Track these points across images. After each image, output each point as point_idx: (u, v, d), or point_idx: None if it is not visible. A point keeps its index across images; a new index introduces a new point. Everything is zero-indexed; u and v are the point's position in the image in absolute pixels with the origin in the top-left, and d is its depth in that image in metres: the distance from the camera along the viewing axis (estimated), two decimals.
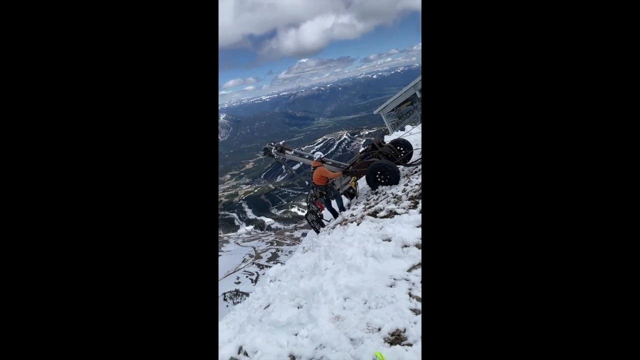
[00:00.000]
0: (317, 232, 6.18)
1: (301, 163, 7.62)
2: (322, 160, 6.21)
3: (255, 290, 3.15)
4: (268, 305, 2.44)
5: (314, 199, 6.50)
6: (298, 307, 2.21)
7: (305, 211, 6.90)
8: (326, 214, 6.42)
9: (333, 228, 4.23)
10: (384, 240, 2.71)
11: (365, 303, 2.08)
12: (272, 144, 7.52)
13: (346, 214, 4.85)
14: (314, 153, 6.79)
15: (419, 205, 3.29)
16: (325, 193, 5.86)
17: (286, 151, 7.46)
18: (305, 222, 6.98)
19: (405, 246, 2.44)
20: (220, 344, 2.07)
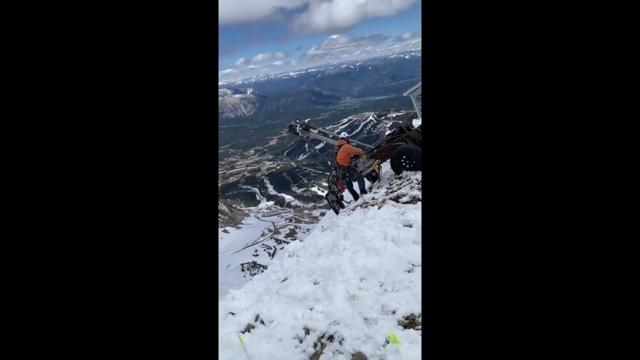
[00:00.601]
0: (337, 212, 6.21)
1: (324, 142, 7.58)
2: (347, 140, 6.15)
3: (273, 263, 3.25)
4: (285, 279, 2.51)
5: (335, 179, 6.50)
6: (315, 283, 2.26)
7: (326, 191, 6.93)
8: (347, 195, 6.41)
9: (353, 210, 4.22)
10: (404, 226, 2.67)
11: (381, 285, 2.08)
12: (297, 121, 7.50)
13: (367, 196, 4.82)
14: (339, 134, 6.72)
15: None
16: (347, 174, 5.83)
17: (311, 129, 7.42)
18: (325, 202, 7.03)
19: None
20: (238, 311, 2.17)
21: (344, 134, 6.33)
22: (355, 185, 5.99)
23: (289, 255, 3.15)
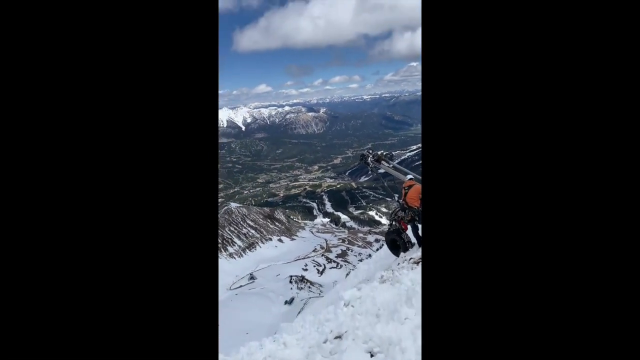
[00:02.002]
0: (397, 255, 5.89)
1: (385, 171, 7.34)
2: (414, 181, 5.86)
3: (327, 310, 3.16)
4: (339, 337, 2.40)
5: (399, 218, 6.19)
6: (371, 355, 2.10)
7: (388, 227, 6.63)
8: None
9: (417, 263, 3.94)
10: None
11: None
12: (371, 151, 7.44)
13: None
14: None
15: None
16: (417, 218, 5.50)
17: (383, 162, 7.28)
18: (382, 228, 6.71)
19: None
20: None
21: (410, 176, 6.05)
22: (421, 230, 5.62)
23: (344, 304, 3.03)
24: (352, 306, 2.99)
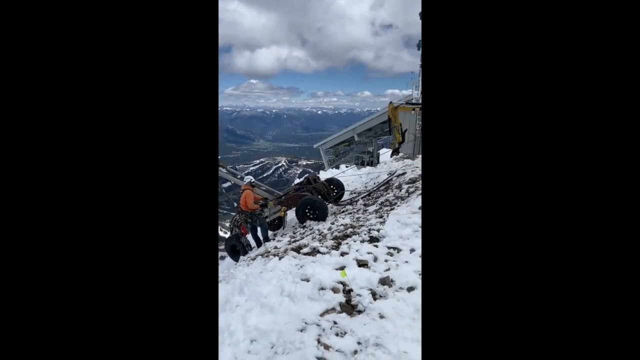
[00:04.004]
0: (236, 260, 5.87)
1: (232, 182, 7.35)
2: (252, 185, 6.08)
3: None
4: None
5: (238, 223, 6.24)
6: None
7: (227, 234, 6.53)
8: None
9: (253, 259, 4.07)
10: (302, 280, 2.69)
11: (272, 347, 1.99)
12: None
13: (270, 245, 4.74)
14: (245, 174, 6.61)
15: (341, 247, 3.40)
16: (251, 220, 5.67)
17: (220, 168, 7.15)
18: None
19: (322, 289, 2.46)
20: None
21: (248, 178, 6.23)
22: (260, 232, 5.86)
23: None
24: None
